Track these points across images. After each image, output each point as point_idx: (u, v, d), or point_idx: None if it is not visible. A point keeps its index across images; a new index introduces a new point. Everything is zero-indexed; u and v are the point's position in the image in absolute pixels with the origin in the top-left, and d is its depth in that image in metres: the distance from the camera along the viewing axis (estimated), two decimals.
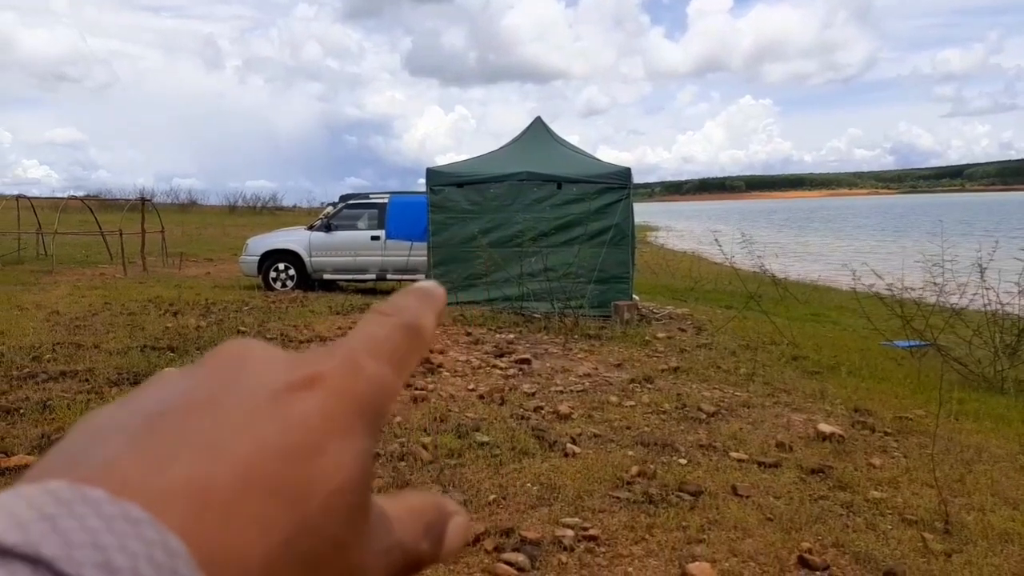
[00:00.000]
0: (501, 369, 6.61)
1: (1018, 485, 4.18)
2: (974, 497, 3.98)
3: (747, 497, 3.84)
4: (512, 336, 8.35)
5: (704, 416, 5.32)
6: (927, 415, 5.76)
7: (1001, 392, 6.91)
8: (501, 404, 5.40)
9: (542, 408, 5.34)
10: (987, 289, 8.32)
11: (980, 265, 8.38)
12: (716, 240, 11.38)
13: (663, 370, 6.88)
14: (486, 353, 7.28)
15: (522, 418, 5.06)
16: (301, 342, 7.45)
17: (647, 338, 8.58)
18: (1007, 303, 8.29)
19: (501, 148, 11.88)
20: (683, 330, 9.53)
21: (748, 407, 5.69)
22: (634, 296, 10.80)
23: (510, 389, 5.85)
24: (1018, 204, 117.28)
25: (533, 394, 5.77)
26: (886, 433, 5.19)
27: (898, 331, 8.95)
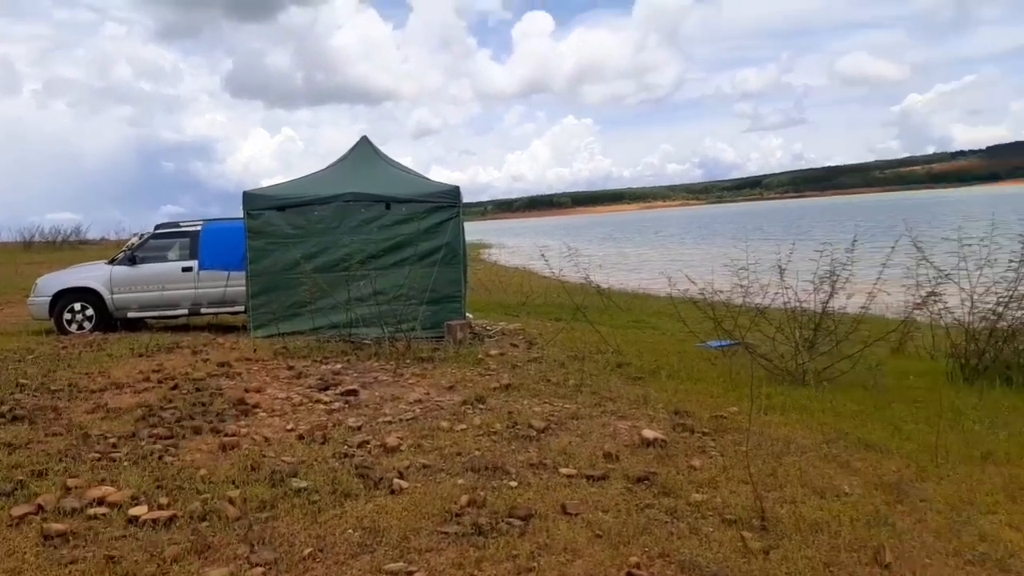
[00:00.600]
0: (325, 403, 6.23)
1: (823, 474, 4.44)
2: (786, 490, 4.16)
3: (576, 515, 3.79)
4: (339, 366, 7.96)
5: (535, 433, 5.26)
6: (740, 412, 6.05)
7: (803, 384, 7.43)
8: (323, 443, 5.05)
9: (368, 443, 5.05)
10: (786, 288, 8.93)
11: (780, 266, 9.00)
12: (543, 255, 11.56)
13: (495, 388, 6.79)
14: (309, 387, 6.86)
15: (345, 456, 4.75)
16: (94, 391, 6.65)
17: (480, 356, 8.50)
18: (804, 300, 8.96)
19: (325, 169, 11.44)
20: (515, 345, 9.56)
21: (577, 419, 5.71)
22: (468, 314, 10.72)
23: (334, 425, 5.51)
24: (807, 209, 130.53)
25: (359, 428, 5.47)
26: (704, 433, 5.38)
27: (711, 332, 9.45)
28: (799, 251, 9.14)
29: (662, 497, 4.06)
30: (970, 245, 7.94)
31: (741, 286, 9.14)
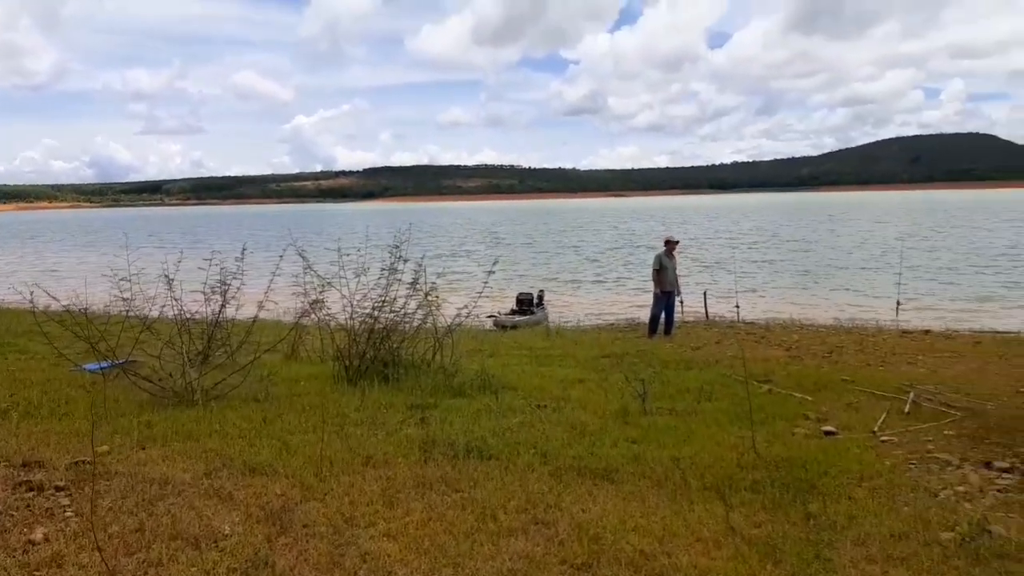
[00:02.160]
0: None
1: (202, 516, 3.84)
2: (154, 548, 3.43)
3: None
4: None
5: None
6: (111, 450, 5.08)
7: (193, 405, 6.76)
8: None
9: None
10: (176, 300, 8.19)
11: (167, 276, 8.19)
12: None
13: None
14: None
15: None
16: None
17: None
18: (196, 312, 8.34)
19: None
20: None
21: None
22: None
23: None
24: (208, 217, 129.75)
25: None
26: (58, 488, 4.26)
27: (88, 353, 8.04)
28: (191, 259, 8.49)
29: None
30: (348, 255, 8.45)
31: (124, 298, 8.05)
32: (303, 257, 8.38)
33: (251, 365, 7.88)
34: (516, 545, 3.61)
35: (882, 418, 6.33)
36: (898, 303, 15.07)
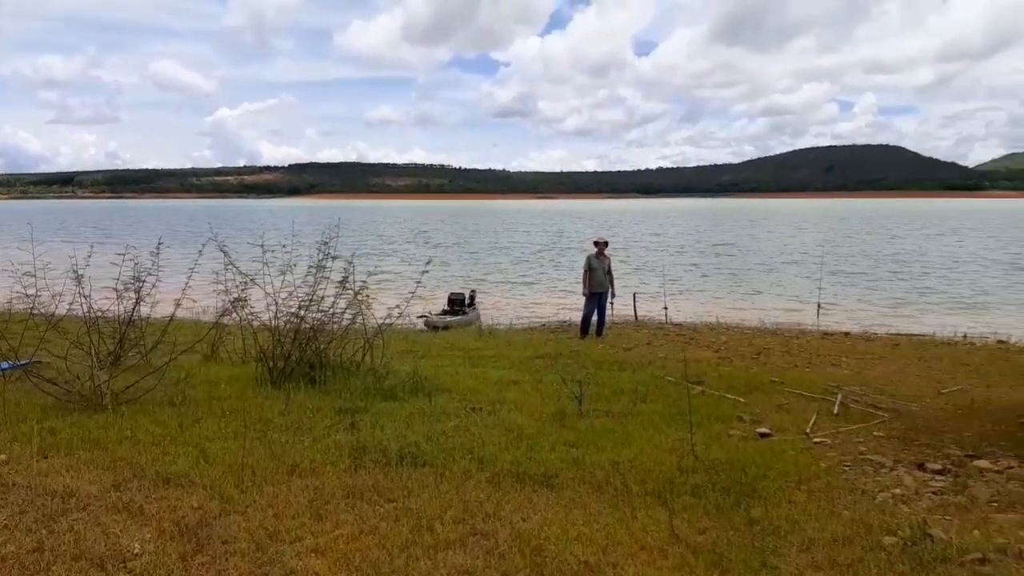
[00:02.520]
0: None
1: (109, 533, 3.50)
2: (53, 570, 3.10)
3: None
4: None
5: None
6: (8, 459, 4.65)
7: (102, 409, 6.30)
8: None
9: None
10: (85, 296, 7.68)
11: (76, 271, 7.68)
12: None
13: None
14: None
15: None
16: None
17: None
18: (107, 309, 7.85)
19: None
20: None
21: None
22: None
23: None
24: (123, 210, 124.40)
25: None
26: None
27: None
28: (103, 254, 8.00)
29: None
30: (273, 251, 8.08)
31: (27, 295, 7.50)
32: (224, 252, 7.96)
33: (167, 366, 7.44)
34: (455, 559, 3.41)
35: (813, 419, 6.39)
36: (819, 306, 15.51)
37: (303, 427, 5.83)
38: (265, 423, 5.95)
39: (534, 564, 3.37)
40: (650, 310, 16.73)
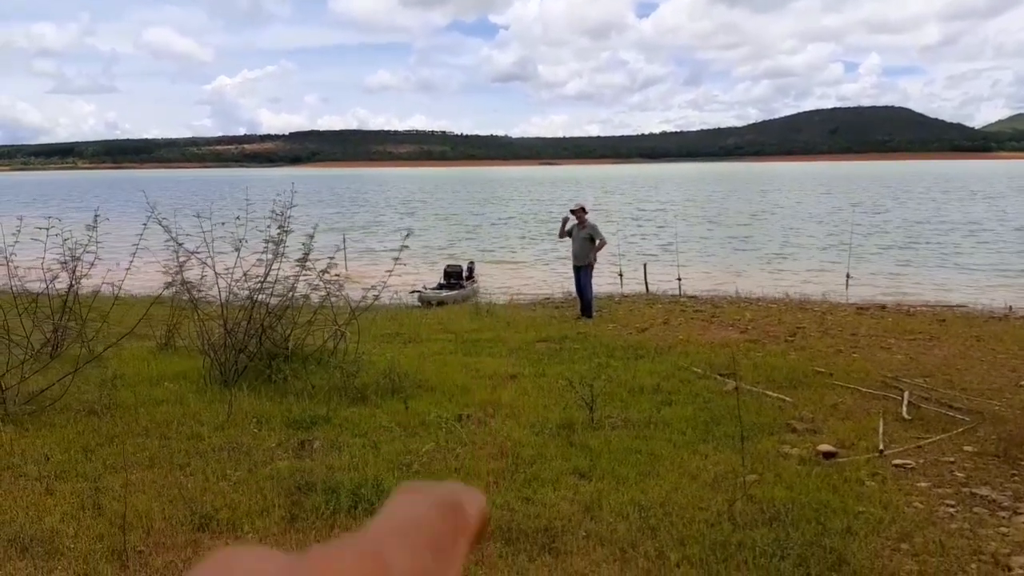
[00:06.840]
0: None
1: None
2: None
3: None
4: None
5: None
6: None
7: (7, 419, 5.11)
8: None
9: None
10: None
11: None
12: None
13: None
14: None
15: None
16: None
17: None
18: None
19: None
20: None
21: None
22: None
23: None
24: (120, 180, 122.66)
25: None
26: None
27: None
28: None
29: None
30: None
31: None
32: (166, 228, 6.67)
33: (94, 360, 6.22)
34: None
35: (882, 428, 5.14)
36: (848, 276, 14.20)
37: (242, 448, 4.61)
38: (196, 441, 4.74)
39: None
40: (662, 281, 15.40)
